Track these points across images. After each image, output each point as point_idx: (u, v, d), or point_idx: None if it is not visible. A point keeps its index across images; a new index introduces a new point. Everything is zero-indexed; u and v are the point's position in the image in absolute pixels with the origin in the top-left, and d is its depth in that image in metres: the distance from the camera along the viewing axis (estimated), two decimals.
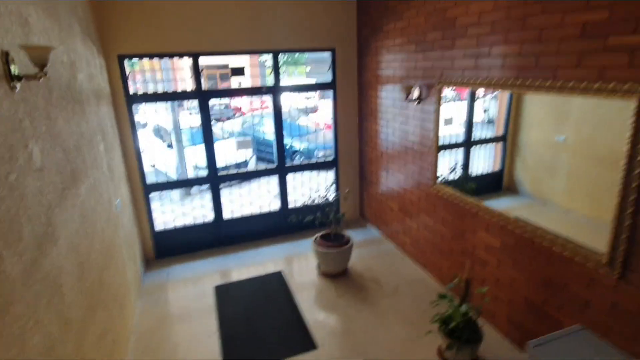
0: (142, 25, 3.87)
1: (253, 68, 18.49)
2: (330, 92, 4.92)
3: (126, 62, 3.98)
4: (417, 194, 3.91)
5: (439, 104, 3.34)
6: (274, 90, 4.58)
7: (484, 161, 3.54)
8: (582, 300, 2.30)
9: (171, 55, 4.19)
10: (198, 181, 4.69)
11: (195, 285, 4.01)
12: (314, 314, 3.47)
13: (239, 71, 3.73)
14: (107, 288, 2.76)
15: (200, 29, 4.06)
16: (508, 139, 3.16)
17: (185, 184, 4.69)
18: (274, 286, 3.91)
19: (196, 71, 4.22)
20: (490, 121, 3.53)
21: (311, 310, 3.52)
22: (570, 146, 2.57)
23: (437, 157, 3.49)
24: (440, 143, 3.47)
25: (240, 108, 13.56)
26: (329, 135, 9.03)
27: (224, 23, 4.13)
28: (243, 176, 5.02)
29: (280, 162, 4.84)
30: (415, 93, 3.64)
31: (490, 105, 3.47)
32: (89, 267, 2.42)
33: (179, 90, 4.29)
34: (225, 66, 19.48)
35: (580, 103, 2.42)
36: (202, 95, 4.29)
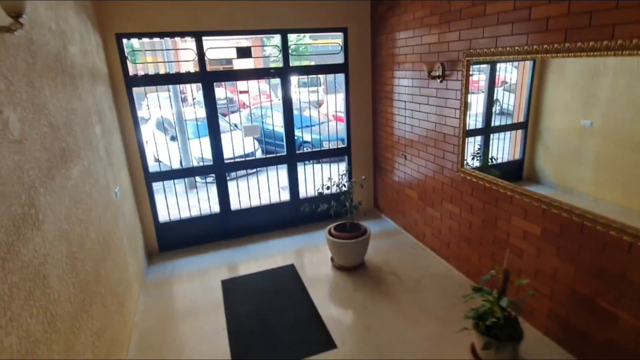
0: (142, 3, 3.59)
1: (256, 57, 18.13)
2: (341, 77, 4.61)
3: (128, 56, 3.71)
4: (440, 180, 3.61)
5: (467, 78, 3.04)
6: (283, 73, 4.29)
7: (502, 150, 3.26)
8: None
9: (173, 35, 3.91)
10: (203, 170, 4.43)
11: (202, 279, 3.74)
12: (331, 310, 3.19)
13: (245, 52, 3.41)
14: (104, 282, 2.50)
15: (204, 7, 3.78)
16: (529, 125, 2.88)
17: (189, 172, 4.42)
18: (286, 280, 3.64)
19: (200, 52, 3.94)
20: (502, 112, 3.25)
21: (327, 306, 3.24)
22: (598, 131, 2.32)
23: (464, 139, 3.18)
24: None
25: (245, 103, 13.26)
26: (337, 126, 8.73)
27: (229, 1, 3.84)
28: (251, 164, 4.74)
29: (289, 150, 4.56)
30: (439, 70, 3.33)
31: (502, 95, 3.19)
32: (82, 258, 2.15)
33: (182, 72, 4.00)
34: (229, 61, 19.16)
35: (611, 84, 2.15)
36: (206, 78, 4.00)
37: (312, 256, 4.13)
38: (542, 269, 2.61)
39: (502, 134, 3.27)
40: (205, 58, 3.97)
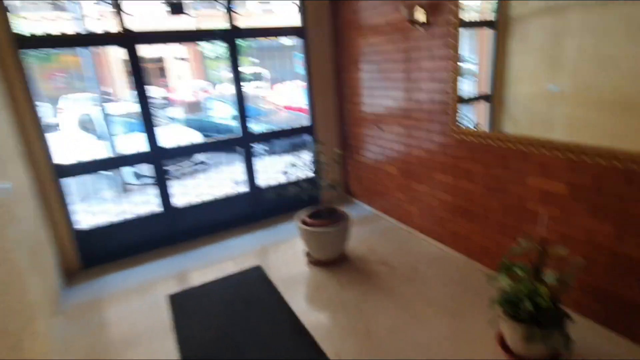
0: None
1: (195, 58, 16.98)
2: (298, 44, 3.95)
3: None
4: (427, 149, 3.09)
5: (457, 19, 2.54)
6: (228, 35, 3.53)
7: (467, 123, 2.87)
8: None
9: None
10: (135, 158, 3.49)
11: (142, 297, 2.88)
12: (316, 316, 2.52)
13: (177, 8, 2.65)
14: None
15: None
16: (494, 96, 2.53)
17: (115, 163, 3.45)
18: (253, 286, 2.90)
19: (117, 5, 3.06)
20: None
21: (310, 312, 2.57)
22: (567, 95, 2.13)
23: (457, 92, 2.69)
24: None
25: (183, 101, 12.15)
26: (287, 115, 8.11)
27: None
28: (197, 149, 3.87)
29: (244, 131, 3.81)
30: (420, 16, 2.81)
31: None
32: None
33: (95, 32, 3.08)
34: (160, 59, 17.65)
35: (577, 45, 2.01)
36: (128, 39, 3.13)
37: (282, 253, 3.43)
38: (570, 234, 2.17)
39: (466, 109, 2.88)
40: (125, 14, 3.10)
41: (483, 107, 2.74)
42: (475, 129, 2.69)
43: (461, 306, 2.48)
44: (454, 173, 2.88)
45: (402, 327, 2.34)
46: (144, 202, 5.00)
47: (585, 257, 2.12)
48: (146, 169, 5.40)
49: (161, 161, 3.50)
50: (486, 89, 2.63)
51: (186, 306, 2.71)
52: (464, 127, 2.72)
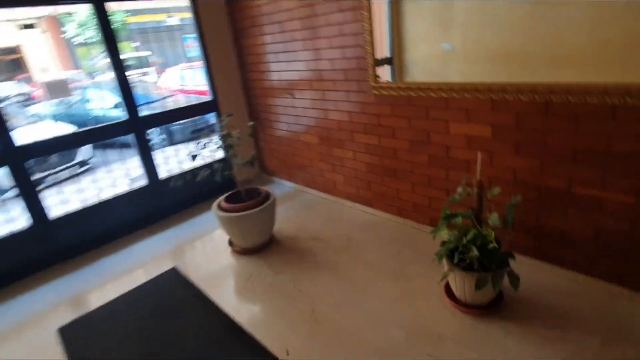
0: None
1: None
2: (185, 24, 3.39)
3: None
4: (346, 110, 2.90)
5: None
6: None
7: None
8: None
9: None
10: None
11: (18, 340, 2.20)
12: (251, 310, 2.20)
13: None
14: None
15: None
16: (394, 59, 2.49)
17: None
18: (170, 291, 2.44)
19: None
20: None
21: (244, 307, 2.23)
22: (460, 53, 2.18)
23: (373, 44, 2.51)
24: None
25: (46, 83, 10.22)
26: (184, 100, 7.34)
27: None
28: (70, 142, 3.10)
29: (131, 113, 3.16)
30: None
31: None
32: None
33: None
34: (12, 50, 14.61)
35: (464, 5, 2.05)
36: None
37: (201, 248, 2.97)
38: (497, 176, 2.19)
39: None
40: None
41: (386, 72, 2.65)
42: (394, 82, 2.56)
43: (401, 266, 2.39)
44: (377, 132, 2.75)
45: (348, 300, 2.15)
46: (6, 221, 3.96)
47: (513, 195, 2.16)
48: (5, 181, 4.31)
49: (22, 164, 2.71)
50: (386, 53, 2.55)
51: (84, 337, 2.14)
52: (383, 81, 2.58)
